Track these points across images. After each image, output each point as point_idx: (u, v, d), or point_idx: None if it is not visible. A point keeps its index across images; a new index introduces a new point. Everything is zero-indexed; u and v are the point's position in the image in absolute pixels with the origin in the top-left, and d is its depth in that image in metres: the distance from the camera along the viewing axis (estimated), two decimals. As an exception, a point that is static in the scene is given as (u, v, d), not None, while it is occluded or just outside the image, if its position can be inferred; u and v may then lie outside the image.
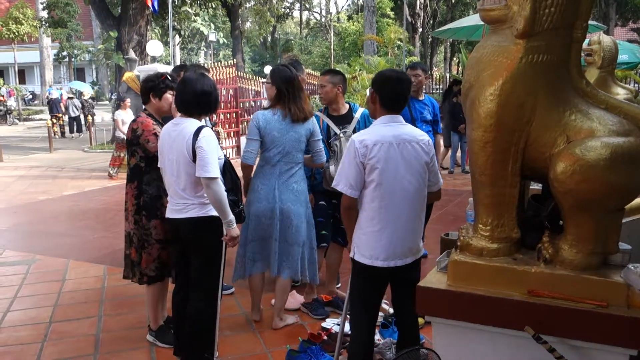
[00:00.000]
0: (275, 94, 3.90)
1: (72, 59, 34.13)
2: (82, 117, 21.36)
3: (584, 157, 2.11)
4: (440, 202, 8.16)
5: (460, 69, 28.39)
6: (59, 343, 3.99)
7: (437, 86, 25.46)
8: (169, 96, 3.73)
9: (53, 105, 21.89)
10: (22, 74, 44.88)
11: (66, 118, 22.07)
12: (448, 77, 26.14)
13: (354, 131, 4.22)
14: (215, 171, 3.17)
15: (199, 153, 3.18)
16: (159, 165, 3.47)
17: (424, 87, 5.48)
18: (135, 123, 3.73)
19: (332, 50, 30.14)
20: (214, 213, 3.28)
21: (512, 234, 2.37)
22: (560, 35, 2.23)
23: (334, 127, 4.33)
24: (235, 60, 18.17)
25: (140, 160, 3.72)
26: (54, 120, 21.49)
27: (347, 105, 4.46)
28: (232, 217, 3.27)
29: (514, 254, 2.38)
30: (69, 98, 21.96)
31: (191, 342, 3.37)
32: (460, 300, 2.37)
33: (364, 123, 4.33)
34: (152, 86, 3.75)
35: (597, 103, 2.27)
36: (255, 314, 4.22)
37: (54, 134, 20.22)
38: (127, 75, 12.38)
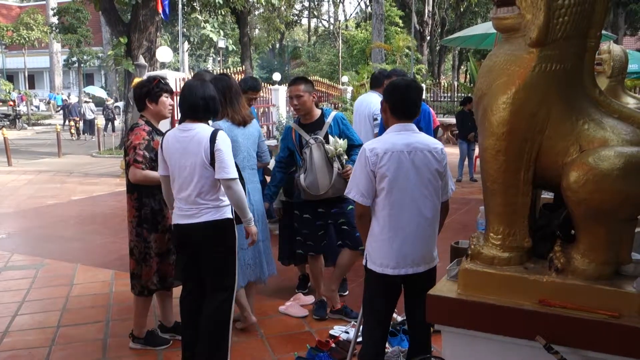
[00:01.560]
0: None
1: (82, 65, 34.32)
2: (96, 120, 22.35)
3: (597, 167, 2.10)
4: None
5: (468, 77, 28.38)
6: (67, 347, 4.00)
7: (445, 94, 25.44)
8: (166, 99, 3.70)
9: (72, 109, 23.23)
10: (32, 79, 45.28)
11: (80, 122, 23.36)
12: (456, 85, 26.11)
13: (326, 137, 4.16)
14: (235, 172, 3.27)
15: (218, 156, 3.23)
16: (160, 173, 3.41)
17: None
18: (131, 133, 3.66)
19: (340, 58, 30.19)
20: (229, 215, 3.36)
21: (523, 242, 2.36)
22: (573, 44, 2.22)
23: (305, 136, 4.23)
24: (243, 67, 18.26)
25: None
26: (72, 124, 23.40)
27: (319, 111, 4.35)
28: (251, 215, 3.43)
29: (525, 263, 2.36)
30: (85, 102, 23.15)
31: (210, 344, 3.36)
32: (470, 309, 2.36)
33: (337, 127, 4.24)
34: (147, 91, 3.67)
35: (611, 112, 2.26)
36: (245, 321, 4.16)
37: (71, 135, 21.28)
38: (136, 81, 12.45)
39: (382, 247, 2.87)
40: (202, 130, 3.30)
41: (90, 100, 25.06)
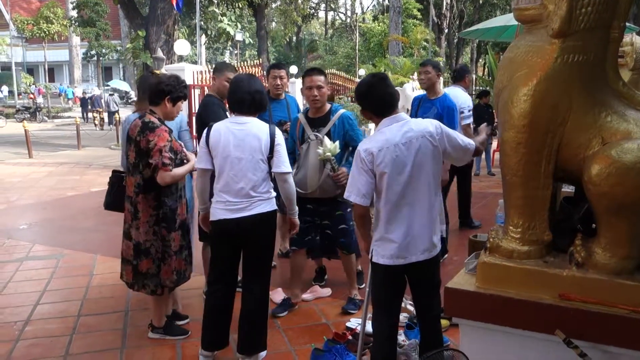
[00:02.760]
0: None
1: (101, 58, 34.63)
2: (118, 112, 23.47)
3: (620, 160, 2.07)
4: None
5: (486, 70, 28.12)
6: (87, 336, 4.05)
7: (463, 88, 25.22)
8: (180, 104, 3.71)
9: (94, 101, 25.34)
10: (52, 73, 45.78)
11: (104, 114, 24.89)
12: (474, 78, 25.89)
13: (329, 134, 4.06)
14: (290, 166, 3.47)
15: (278, 150, 3.39)
16: (201, 166, 3.41)
17: (438, 84, 5.35)
18: (151, 134, 3.51)
19: (357, 51, 30.10)
20: (275, 206, 3.48)
21: (543, 236, 2.34)
22: (596, 35, 2.19)
23: (308, 130, 4.15)
24: (260, 60, 18.27)
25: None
26: (95, 115, 24.81)
27: (328, 106, 4.23)
28: (297, 208, 3.62)
29: (545, 257, 2.35)
30: (110, 94, 24.24)
31: (253, 335, 3.49)
32: (489, 302, 2.35)
33: (342, 126, 4.11)
34: (170, 90, 3.63)
35: (634, 104, 2.23)
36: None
37: (95, 127, 22.24)
38: (160, 72, 12.55)
39: (388, 240, 2.88)
40: (258, 124, 3.40)
41: (114, 93, 26.02)
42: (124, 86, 34.10)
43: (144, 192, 3.62)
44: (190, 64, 14.46)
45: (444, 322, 3.90)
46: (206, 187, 3.50)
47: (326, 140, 4.01)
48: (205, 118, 4.13)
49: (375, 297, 3.05)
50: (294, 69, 19.97)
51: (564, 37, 2.17)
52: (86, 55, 34.45)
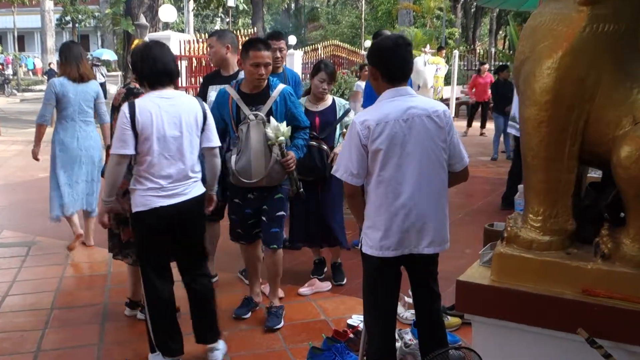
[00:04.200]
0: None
1: (76, 25, 34.48)
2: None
3: (653, 141, 2.07)
4: (482, 192, 8.20)
5: (507, 43, 28.01)
6: (61, 331, 4.09)
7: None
8: None
9: None
10: (22, 41, 45.55)
11: None
12: (493, 52, 25.80)
13: (270, 114, 3.90)
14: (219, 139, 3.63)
15: (209, 123, 3.49)
16: (122, 152, 3.24)
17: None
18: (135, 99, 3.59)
19: (362, 20, 29.94)
20: (204, 188, 3.56)
21: (566, 225, 2.35)
22: (629, 2, 2.18)
23: (245, 109, 3.93)
24: (255, 29, 18.21)
25: None
26: None
27: (265, 81, 4.03)
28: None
29: (567, 248, 2.36)
30: (94, 65, 24.08)
31: (213, 320, 3.64)
32: (505, 297, 2.36)
33: (284, 104, 3.98)
34: None
35: (670, 80, 2.22)
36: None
37: None
38: (136, 43, 12.48)
39: (380, 228, 2.83)
40: (187, 97, 3.48)
41: (100, 63, 25.70)
42: (110, 56, 33.79)
43: None
44: (176, 32, 14.41)
45: (455, 320, 3.94)
46: (120, 176, 3.35)
47: (273, 121, 3.85)
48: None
49: (365, 291, 3.02)
50: (292, 40, 19.85)
51: (593, 4, 2.16)
52: (60, 22, 34.30)
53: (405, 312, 4.10)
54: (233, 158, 3.90)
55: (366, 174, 2.84)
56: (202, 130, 3.43)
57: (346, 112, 4.68)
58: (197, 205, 3.48)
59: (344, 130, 4.58)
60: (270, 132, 3.83)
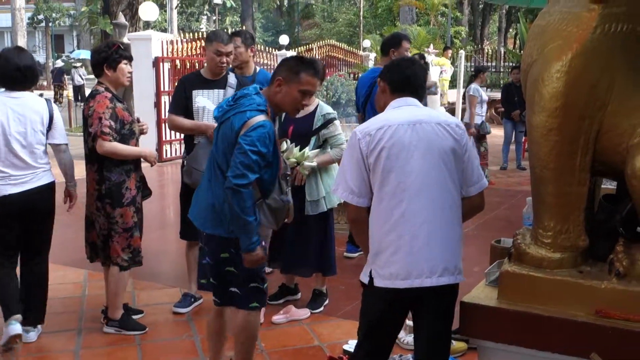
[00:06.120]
0: None
1: (50, 24, 34.51)
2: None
3: (670, 150, 2.09)
4: (491, 205, 8.13)
5: (517, 42, 28.16)
6: (31, 359, 4.07)
7: (489, 63, 25.27)
8: (125, 66, 4.18)
9: (57, 75, 25.69)
10: (-9, 41, 45.57)
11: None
12: (502, 52, 25.94)
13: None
14: (66, 137, 4.25)
15: (56, 123, 4.11)
16: None
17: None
18: (92, 100, 4.08)
19: (361, 18, 30.08)
20: (54, 179, 4.18)
21: (578, 241, 2.36)
22: (644, 0, 2.21)
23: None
24: (244, 28, 18.27)
25: None
26: (56, 89, 25.10)
27: None
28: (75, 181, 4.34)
29: (580, 266, 2.37)
30: (74, 67, 24.42)
31: (43, 303, 4.27)
32: (513, 320, 2.38)
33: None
34: (105, 57, 4.13)
35: (688, 84, 2.25)
36: None
37: (59, 103, 22.47)
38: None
39: (384, 252, 2.63)
40: (33, 97, 4.10)
41: (80, 65, 25.99)
42: (89, 57, 34.05)
43: (89, 162, 4.22)
44: (158, 32, 14.45)
45: (461, 345, 3.94)
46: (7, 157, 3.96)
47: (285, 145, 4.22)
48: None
49: (361, 323, 2.84)
50: (284, 39, 19.94)
51: (605, 2, 2.19)
52: (32, 21, 34.31)
53: (406, 337, 4.09)
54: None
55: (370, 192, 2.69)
56: (49, 128, 4.08)
57: (327, 123, 4.45)
58: (43, 194, 4.09)
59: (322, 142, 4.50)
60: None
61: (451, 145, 2.65)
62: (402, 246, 2.59)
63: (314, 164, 4.28)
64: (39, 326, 4.27)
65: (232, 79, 4.59)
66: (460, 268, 2.68)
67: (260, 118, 3.07)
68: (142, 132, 4.33)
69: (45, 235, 4.26)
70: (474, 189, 2.74)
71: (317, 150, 4.36)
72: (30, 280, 4.19)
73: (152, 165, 4.43)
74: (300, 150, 4.32)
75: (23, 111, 3.97)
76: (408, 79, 2.83)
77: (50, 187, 4.14)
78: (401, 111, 2.74)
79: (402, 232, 2.59)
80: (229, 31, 14.79)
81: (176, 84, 5.64)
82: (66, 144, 4.18)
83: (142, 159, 4.32)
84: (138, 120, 4.33)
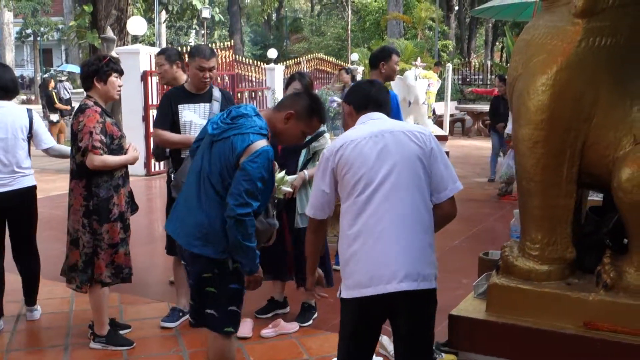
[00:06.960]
0: None
1: (38, 38, 34.46)
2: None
3: (655, 162, 2.10)
4: (479, 217, 8.23)
5: (504, 55, 28.38)
6: None
7: (476, 76, 25.43)
8: (115, 79, 4.15)
9: (44, 89, 25.25)
10: (-22, 55, 45.39)
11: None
12: (489, 65, 26.12)
13: None
14: (52, 140, 4.71)
15: (39, 128, 4.54)
16: None
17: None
18: (81, 115, 4.03)
19: (349, 32, 30.21)
20: (35, 183, 4.58)
21: (565, 253, 2.37)
22: (628, 14, 2.23)
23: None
24: (232, 41, 18.30)
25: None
26: (43, 103, 24.74)
27: None
28: None
29: (567, 278, 2.38)
30: (59, 81, 24.27)
31: (34, 288, 4.74)
32: (500, 332, 2.37)
33: None
34: (96, 69, 4.09)
35: (672, 97, 2.26)
36: None
37: (45, 118, 22.41)
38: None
39: (350, 264, 2.67)
40: (13, 105, 4.51)
41: (66, 78, 25.91)
42: (77, 71, 34.09)
43: (76, 178, 4.10)
44: (146, 46, 14.44)
45: (450, 358, 3.93)
46: None
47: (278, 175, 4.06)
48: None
49: (340, 334, 2.84)
50: (273, 53, 19.96)
51: (590, 17, 2.21)
52: (20, 35, 34.26)
53: (391, 345, 4.07)
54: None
55: (333, 205, 2.81)
56: (30, 134, 4.48)
57: (316, 136, 4.46)
58: (23, 196, 4.45)
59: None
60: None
61: (416, 152, 2.67)
62: (365, 253, 2.63)
63: (290, 189, 4.19)
64: (38, 305, 4.83)
65: (216, 92, 4.59)
66: (428, 274, 2.62)
67: (263, 143, 3.04)
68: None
69: (32, 234, 4.68)
70: (443, 195, 2.72)
71: (296, 176, 4.34)
72: (29, 275, 4.74)
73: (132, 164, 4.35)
74: (287, 174, 4.35)
75: (5, 119, 4.34)
76: (369, 96, 2.92)
77: (28, 191, 4.49)
78: (365, 126, 2.81)
79: (364, 241, 2.64)
80: (217, 45, 14.84)
81: (161, 98, 5.59)
82: (51, 147, 4.64)
83: (129, 173, 4.29)
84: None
